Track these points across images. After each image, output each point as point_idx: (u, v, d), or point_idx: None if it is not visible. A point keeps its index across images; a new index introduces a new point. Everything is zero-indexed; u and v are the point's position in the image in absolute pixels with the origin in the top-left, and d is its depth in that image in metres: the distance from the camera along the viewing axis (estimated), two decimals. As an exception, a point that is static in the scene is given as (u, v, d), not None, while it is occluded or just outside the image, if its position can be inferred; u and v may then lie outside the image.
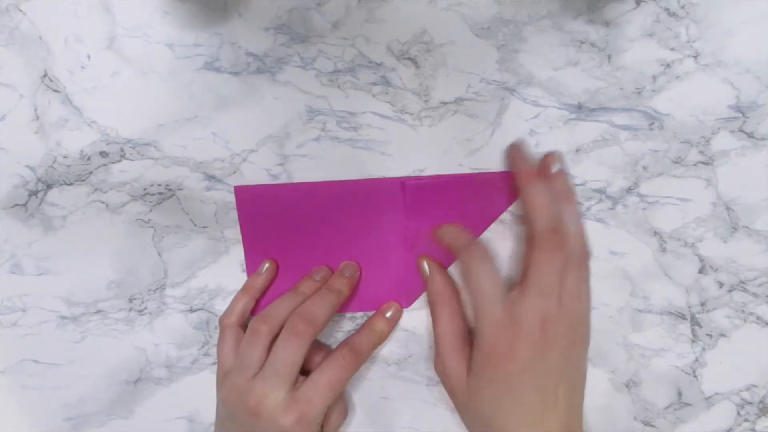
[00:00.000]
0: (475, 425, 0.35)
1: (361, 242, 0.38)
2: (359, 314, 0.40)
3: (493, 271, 0.34)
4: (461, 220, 0.38)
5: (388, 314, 0.39)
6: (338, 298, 0.37)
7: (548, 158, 0.37)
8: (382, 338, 0.39)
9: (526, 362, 0.32)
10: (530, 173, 0.36)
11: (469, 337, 0.36)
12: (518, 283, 0.34)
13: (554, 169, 0.37)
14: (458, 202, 0.38)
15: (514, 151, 0.37)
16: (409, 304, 0.39)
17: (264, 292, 0.39)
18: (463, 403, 0.35)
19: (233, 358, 0.38)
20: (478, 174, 0.38)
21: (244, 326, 0.38)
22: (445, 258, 0.38)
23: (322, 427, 0.37)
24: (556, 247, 0.34)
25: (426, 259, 0.38)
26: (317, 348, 0.39)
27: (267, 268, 0.39)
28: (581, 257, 0.35)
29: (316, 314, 0.36)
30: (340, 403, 0.39)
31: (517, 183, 0.36)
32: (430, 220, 0.38)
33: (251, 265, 0.39)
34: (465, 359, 0.35)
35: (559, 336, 0.33)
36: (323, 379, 0.36)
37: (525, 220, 0.36)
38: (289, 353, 0.35)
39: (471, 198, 0.38)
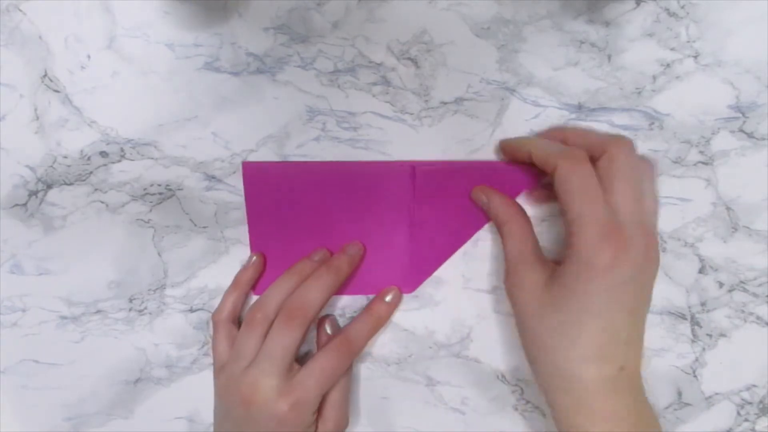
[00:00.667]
0: (545, 347, 0.32)
1: (366, 224, 0.38)
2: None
3: (591, 173, 0.31)
4: (470, 206, 0.37)
5: (388, 298, 0.39)
6: (336, 277, 0.37)
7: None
8: (380, 323, 0.39)
9: (627, 277, 0.30)
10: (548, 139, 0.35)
11: (542, 254, 0.35)
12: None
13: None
14: (468, 190, 0.37)
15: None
16: (411, 290, 0.39)
17: (253, 285, 0.39)
18: (535, 320, 0.33)
19: (228, 353, 0.38)
20: (491, 162, 0.38)
21: (237, 321, 0.39)
22: (457, 237, 0.38)
23: (317, 426, 0.37)
24: (629, 151, 0.31)
25: (480, 188, 0.36)
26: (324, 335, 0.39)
27: (254, 262, 0.39)
28: (646, 166, 0.33)
29: (310, 298, 0.35)
30: (340, 410, 0.38)
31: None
32: (438, 206, 0.38)
33: (255, 245, 0.39)
34: (542, 272, 0.33)
35: (656, 257, 0.31)
36: (317, 365, 0.35)
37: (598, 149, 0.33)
38: (283, 339, 0.35)
39: (483, 185, 0.37)
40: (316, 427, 0.37)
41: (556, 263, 0.33)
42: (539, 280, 0.33)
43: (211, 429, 0.41)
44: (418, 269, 0.39)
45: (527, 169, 0.36)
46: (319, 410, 0.36)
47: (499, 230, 0.36)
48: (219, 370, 0.38)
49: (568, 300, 0.31)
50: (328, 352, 0.36)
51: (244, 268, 0.39)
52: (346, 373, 0.37)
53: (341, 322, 0.40)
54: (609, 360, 0.31)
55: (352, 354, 0.37)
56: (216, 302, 0.40)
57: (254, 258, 0.39)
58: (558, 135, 0.35)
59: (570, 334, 0.31)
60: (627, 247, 0.30)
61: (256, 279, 0.39)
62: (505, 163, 0.37)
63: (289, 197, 0.38)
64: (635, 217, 0.30)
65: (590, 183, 0.31)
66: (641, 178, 0.32)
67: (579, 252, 0.30)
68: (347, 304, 0.40)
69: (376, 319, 0.38)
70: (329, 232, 0.38)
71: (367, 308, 0.39)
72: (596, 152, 0.32)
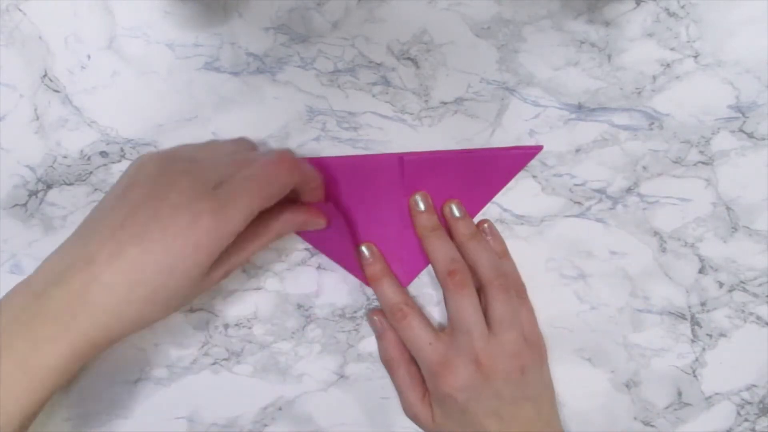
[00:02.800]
0: None
1: (358, 218, 0.38)
2: (359, 313, 0.40)
3: (422, 323, 0.37)
4: (459, 195, 0.38)
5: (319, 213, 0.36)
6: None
7: (446, 208, 0.38)
8: (298, 224, 0.35)
9: (467, 399, 0.35)
10: (427, 226, 0.37)
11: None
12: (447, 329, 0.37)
13: (455, 214, 0.38)
14: (456, 178, 0.38)
15: (412, 205, 0.38)
16: (407, 283, 0.39)
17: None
18: None
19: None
20: (477, 150, 0.38)
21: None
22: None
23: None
24: (460, 285, 0.35)
25: (377, 315, 0.39)
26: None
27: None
28: (498, 285, 0.36)
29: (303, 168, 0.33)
30: (230, 265, 0.33)
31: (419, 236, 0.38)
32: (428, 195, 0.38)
33: None
34: (428, 403, 0.37)
35: (497, 368, 0.35)
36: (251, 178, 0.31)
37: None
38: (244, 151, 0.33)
39: (469, 174, 0.38)
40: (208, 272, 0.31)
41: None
42: (428, 411, 0.37)
43: (212, 429, 0.41)
44: (412, 261, 0.39)
45: (512, 156, 0.37)
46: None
47: (386, 367, 0.39)
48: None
49: (447, 423, 0.36)
50: (268, 161, 0.32)
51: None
52: (256, 245, 0.33)
53: (341, 321, 0.40)
54: None
55: (288, 176, 0.32)
56: (216, 302, 0.40)
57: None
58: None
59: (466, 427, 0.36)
60: (454, 375, 0.35)
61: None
62: (489, 151, 0.38)
63: None
64: (467, 341, 0.35)
65: (417, 330, 0.37)
66: (510, 305, 0.36)
67: (428, 380, 0.37)
68: (347, 304, 0.40)
69: (296, 219, 0.35)
70: (324, 239, 0.38)
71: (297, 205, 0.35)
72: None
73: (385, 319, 0.39)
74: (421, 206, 0.38)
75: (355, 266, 0.38)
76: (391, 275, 0.38)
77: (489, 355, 0.35)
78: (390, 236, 0.38)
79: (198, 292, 0.32)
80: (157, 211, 0.29)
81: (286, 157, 0.32)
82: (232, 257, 0.33)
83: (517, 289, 0.38)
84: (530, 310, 0.38)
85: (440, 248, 0.37)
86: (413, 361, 0.38)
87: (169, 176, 0.30)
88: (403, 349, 0.38)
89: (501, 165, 0.38)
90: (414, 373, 0.38)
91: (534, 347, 0.37)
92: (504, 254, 0.38)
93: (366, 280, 0.38)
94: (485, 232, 0.38)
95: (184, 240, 0.29)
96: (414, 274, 0.39)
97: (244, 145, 0.36)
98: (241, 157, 0.33)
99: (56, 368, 0.29)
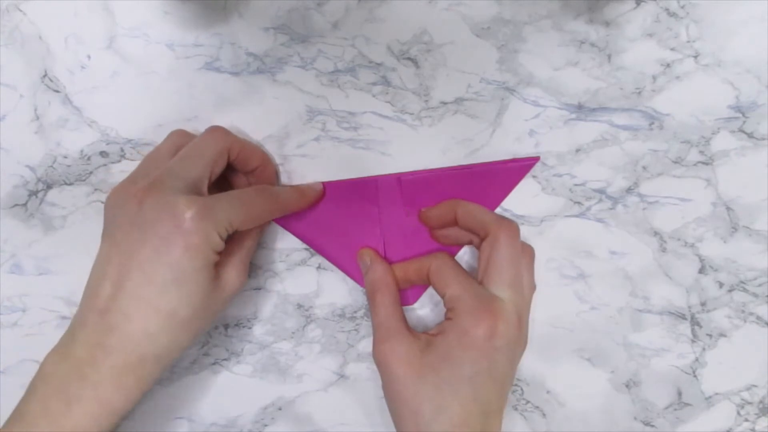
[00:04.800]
0: (404, 413, 0.33)
1: (361, 239, 0.38)
2: (359, 313, 0.40)
3: (458, 266, 0.35)
4: None
5: (308, 191, 0.37)
6: (283, 204, 0.35)
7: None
8: (294, 204, 0.36)
9: (503, 346, 0.32)
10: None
11: (409, 326, 0.35)
12: (481, 276, 0.34)
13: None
14: (455, 195, 0.38)
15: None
16: (414, 301, 0.39)
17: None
18: (402, 386, 0.32)
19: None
20: (474, 166, 0.38)
21: None
22: (449, 250, 0.38)
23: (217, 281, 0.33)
24: (513, 235, 0.34)
25: (366, 251, 0.38)
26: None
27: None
28: (530, 254, 0.36)
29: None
30: (240, 264, 0.34)
31: (449, 211, 0.37)
32: None
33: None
34: (414, 341, 0.33)
35: (525, 332, 0.34)
36: (236, 192, 0.33)
37: (471, 227, 0.36)
38: (201, 141, 0.34)
39: (467, 190, 0.38)
40: (217, 277, 0.32)
41: (429, 335, 0.34)
42: (413, 348, 0.33)
43: (212, 428, 0.41)
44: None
45: (510, 170, 0.37)
46: (221, 265, 0.33)
47: (369, 297, 0.36)
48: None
49: (444, 368, 0.32)
50: (247, 189, 0.34)
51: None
52: (254, 235, 0.36)
53: (341, 321, 0.40)
54: (473, 429, 0.32)
55: (271, 203, 0.34)
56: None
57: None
58: (450, 211, 0.37)
59: (441, 401, 0.32)
60: (502, 321, 0.32)
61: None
62: (486, 166, 0.38)
63: (280, 220, 0.38)
64: (511, 297, 0.33)
65: (458, 271, 0.35)
66: (519, 263, 0.34)
67: (458, 322, 0.32)
68: (347, 304, 0.40)
69: (302, 195, 0.36)
70: (325, 250, 0.39)
71: (297, 186, 0.37)
72: (481, 233, 0.35)
73: (375, 253, 0.37)
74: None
75: (356, 271, 0.39)
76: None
77: (526, 316, 0.34)
78: (393, 256, 0.38)
79: (219, 303, 0.33)
80: (139, 237, 0.30)
81: (214, 126, 0.35)
82: (235, 253, 0.33)
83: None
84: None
85: (479, 207, 0.36)
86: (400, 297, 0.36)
87: (128, 204, 0.30)
88: (393, 278, 0.36)
89: (499, 179, 0.38)
90: (400, 308, 0.35)
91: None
92: None
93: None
94: None
95: (171, 249, 0.29)
96: (419, 292, 0.39)
97: (174, 136, 0.36)
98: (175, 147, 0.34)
99: (89, 427, 0.29)
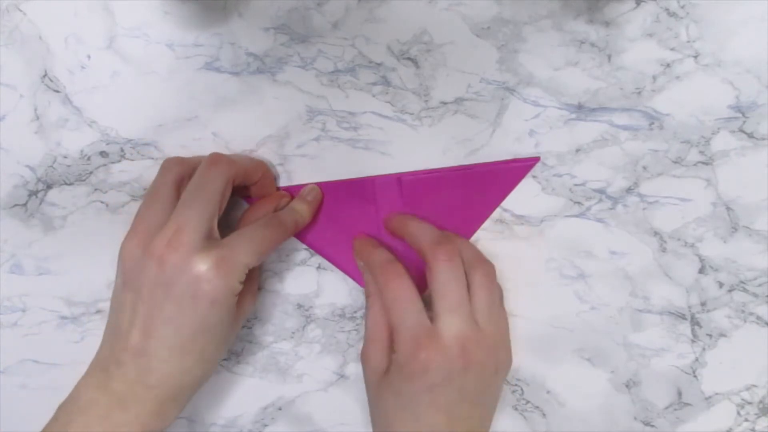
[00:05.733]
0: (377, 425, 0.35)
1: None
2: (359, 313, 0.40)
3: (411, 286, 0.34)
4: (458, 212, 0.38)
5: (309, 197, 0.37)
6: (293, 226, 0.36)
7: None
8: (303, 219, 0.37)
9: (439, 381, 0.32)
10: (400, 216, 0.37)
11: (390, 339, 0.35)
12: (429, 306, 0.34)
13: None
14: (455, 195, 0.38)
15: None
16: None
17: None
18: (373, 398, 0.35)
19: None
20: (474, 166, 0.38)
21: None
22: None
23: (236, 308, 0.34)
24: (448, 258, 0.33)
25: (361, 245, 0.38)
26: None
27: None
28: (484, 272, 0.34)
29: (224, 160, 0.34)
30: (253, 290, 0.36)
31: (394, 226, 0.37)
32: (428, 214, 0.38)
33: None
34: (387, 357, 0.34)
35: (478, 358, 0.32)
36: (246, 231, 0.33)
37: (415, 248, 0.36)
38: (200, 180, 0.33)
39: (467, 190, 0.38)
40: (236, 310, 0.34)
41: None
42: (383, 364, 0.34)
43: (212, 429, 0.41)
44: (419, 279, 0.39)
45: (510, 170, 0.37)
46: (239, 298, 0.34)
47: (366, 300, 0.37)
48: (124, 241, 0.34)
49: (390, 396, 0.33)
50: (257, 224, 0.34)
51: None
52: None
53: (341, 321, 0.40)
54: None
55: (280, 233, 0.35)
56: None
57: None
58: (401, 227, 0.37)
59: (388, 426, 0.34)
60: (438, 354, 0.32)
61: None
62: (486, 167, 0.38)
63: None
64: (453, 324, 0.32)
65: (407, 294, 0.33)
66: (461, 285, 0.33)
67: (396, 357, 0.33)
68: (347, 304, 0.40)
69: (299, 214, 0.37)
70: (325, 250, 0.39)
71: (290, 205, 0.37)
72: (422, 256, 0.34)
73: (370, 249, 0.37)
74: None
75: (356, 271, 0.39)
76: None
77: (474, 342, 0.32)
78: (395, 255, 0.38)
79: (238, 327, 0.36)
80: (165, 296, 0.31)
81: (215, 156, 0.34)
82: (248, 282, 0.34)
83: (498, 295, 0.36)
84: (506, 318, 0.37)
85: (423, 226, 0.35)
86: None
87: (149, 263, 0.31)
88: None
89: (499, 179, 0.38)
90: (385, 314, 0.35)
91: (509, 352, 0.36)
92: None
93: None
94: None
95: (197, 305, 0.31)
96: (420, 292, 0.39)
97: (172, 168, 0.35)
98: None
99: None
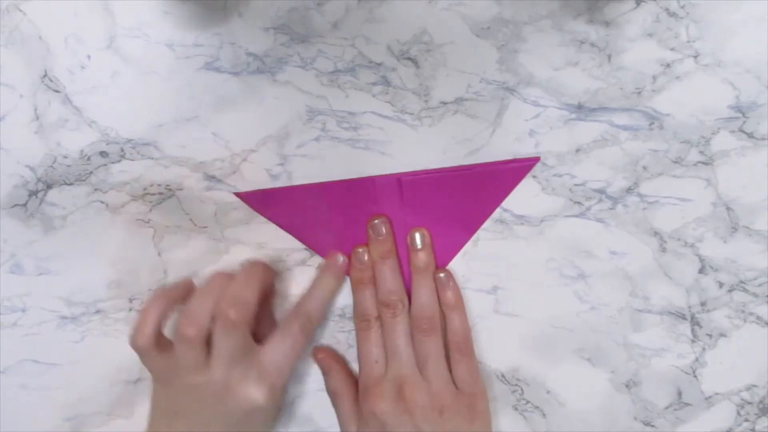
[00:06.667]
0: None
1: (361, 240, 0.38)
2: (359, 314, 0.40)
3: (368, 340, 0.38)
4: (458, 212, 0.38)
5: (337, 265, 0.38)
6: (265, 271, 0.37)
7: (409, 237, 0.39)
8: (332, 293, 0.39)
9: (392, 415, 0.35)
10: (380, 251, 0.38)
11: None
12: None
13: (417, 245, 0.38)
14: (455, 196, 0.38)
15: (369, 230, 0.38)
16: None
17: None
18: None
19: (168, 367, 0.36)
20: (474, 166, 0.38)
21: (160, 342, 0.36)
22: (444, 253, 0.39)
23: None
24: (392, 315, 0.37)
25: (322, 354, 0.39)
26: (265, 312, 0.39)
27: (185, 282, 0.37)
28: (422, 328, 0.37)
29: (246, 296, 0.35)
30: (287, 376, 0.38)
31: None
32: (428, 214, 0.38)
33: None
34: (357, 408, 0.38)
35: (417, 399, 0.36)
36: (281, 348, 0.36)
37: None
38: (232, 342, 0.34)
39: (467, 191, 0.38)
40: None
41: None
42: (354, 416, 0.38)
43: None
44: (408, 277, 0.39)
45: (510, 170, 0.37)
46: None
47: (331, 400, 0.39)
48: (164, 381, 0.36)
49: None
50: (289, 331, 0.37)
51: (175, 286, 0.37)
52: None
53: (341, 321, 0.40)
54: None
55: (313, 330, 0.38)
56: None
57: (186, 279, 0.37)
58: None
59: None
60: (379, 400, 0.36)
61: (182, 299, 0.36)
62: (486, 167, 0.38)
63: (282, 220, 0.39)
64: (389, 369, 0.37)
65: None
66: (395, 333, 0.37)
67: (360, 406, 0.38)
68: (347, 304, 0.40)
69: (328, 289, 0.39)
70: (324, 251, 0.39)
71: (316, 279, 0.39)
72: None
73: (329, 356, 0.39)
74: (383, 230, 0.38)
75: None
76: (374, 286, 0.38)
77: (412, 386, 0.36)
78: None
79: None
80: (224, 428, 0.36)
81: (257, 265, 0.37)
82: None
83: (458, 344, 0.37)
84: (473, 368, 0.38)
85: (387, 279, 0.38)
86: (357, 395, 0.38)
87: (207, 397, 0.35)
88: (350, 383, 0.39)
89: (499, 179, 0.38)
90: (357, 407, 0.38)
91: (465, 397, 0.37)
92: (455, 307, 0.38)
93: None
94: (442, 283, 0.38)
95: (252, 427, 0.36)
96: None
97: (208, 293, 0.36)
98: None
99: None
